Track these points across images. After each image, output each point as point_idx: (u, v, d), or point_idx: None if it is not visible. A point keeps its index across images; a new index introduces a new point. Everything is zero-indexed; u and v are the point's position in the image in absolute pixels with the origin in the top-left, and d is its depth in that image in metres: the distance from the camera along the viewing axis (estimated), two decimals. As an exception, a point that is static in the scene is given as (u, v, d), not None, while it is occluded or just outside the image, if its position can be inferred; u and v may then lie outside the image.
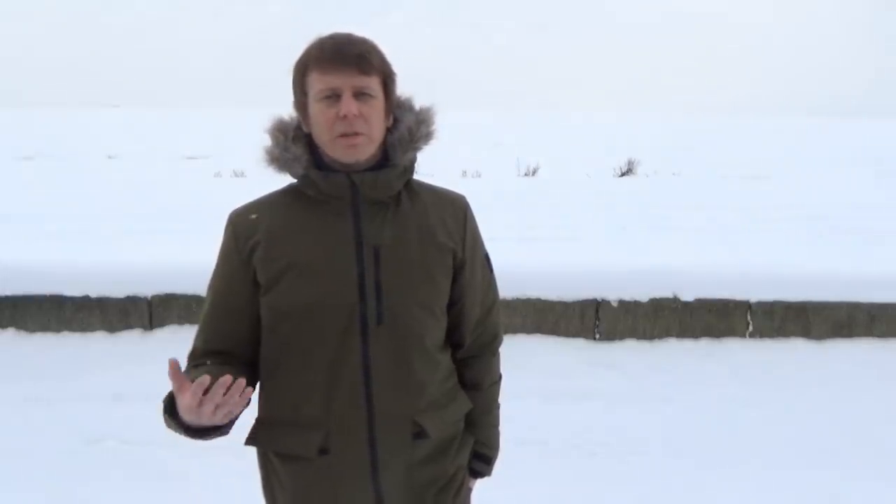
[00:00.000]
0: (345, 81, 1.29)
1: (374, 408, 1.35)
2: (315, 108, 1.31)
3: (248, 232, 1.38)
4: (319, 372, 1.34)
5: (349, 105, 1.28)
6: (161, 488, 2.83)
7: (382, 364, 1.34)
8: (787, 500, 2.86)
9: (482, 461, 1.59)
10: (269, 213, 1.39)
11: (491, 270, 1.55)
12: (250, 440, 1.43)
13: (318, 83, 1.30)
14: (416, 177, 1.47)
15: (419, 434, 1.39)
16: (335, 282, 1.33)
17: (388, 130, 1.38)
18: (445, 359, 1.47)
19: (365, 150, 1.33)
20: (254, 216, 1.39)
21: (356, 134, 1.30)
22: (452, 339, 1.50)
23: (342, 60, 1.28)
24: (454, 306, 1.45)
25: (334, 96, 1.29)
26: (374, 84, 1.31)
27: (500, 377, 1.62)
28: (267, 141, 1.39)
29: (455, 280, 1.43)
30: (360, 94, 1.30)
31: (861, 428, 3.41)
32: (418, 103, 1.43)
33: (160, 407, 1.25)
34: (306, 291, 1.33)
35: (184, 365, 1.44)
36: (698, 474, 3.03)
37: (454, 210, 1.45)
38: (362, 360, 1.33)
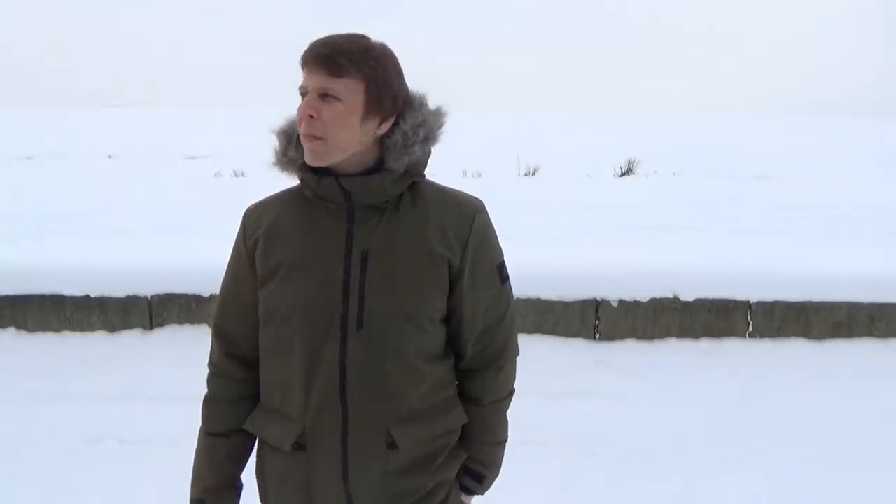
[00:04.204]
0: (311, 81, 1.27)
1: (347, 411, 1.33)
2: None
3: (252, 228, 1.40)
4: (300, 369, 1.34)
5: (305, 105, 1.27)
6: (161, 488, 2.82)
7: (358, 369, 1.32)
8: (787, 500, 2.86)
9: (473, 479, 1.50)
10: (272, 210, 1.41)
11: (503, 281, 1.46)
12: (248, 423, 1.45)
13: (301, 81, 1.31)
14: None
15: (393, 444, 1.35)
16: (321, 283, 1.32)
17: (386, 134, 1.33)
18: (436, 370, 1.40)
19: (323, 155, 1.28)
20: (259, 213, 1.42)
21: (313, 137, 1.27)
22: (454, 350, 1.45)
23: (312, 60, 1.27)
24: (452, 317, 1.40)
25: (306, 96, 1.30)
26: (340, 87, 1.26)
27: (508, 394, 1.51)
28: (274, 141, 1.39)
29: (452, 289, 1.37)
30: (324, 96, 1.27)
31: (861, 428, 3.41)
32: (431, 104, 1.37)
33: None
34: (293, 290, 1.34)
35: (200, 372, 1.48)
36: (698, 474, 3.03)
37: (459, 215, 1.37)
38: (339, 362, 1.32)
